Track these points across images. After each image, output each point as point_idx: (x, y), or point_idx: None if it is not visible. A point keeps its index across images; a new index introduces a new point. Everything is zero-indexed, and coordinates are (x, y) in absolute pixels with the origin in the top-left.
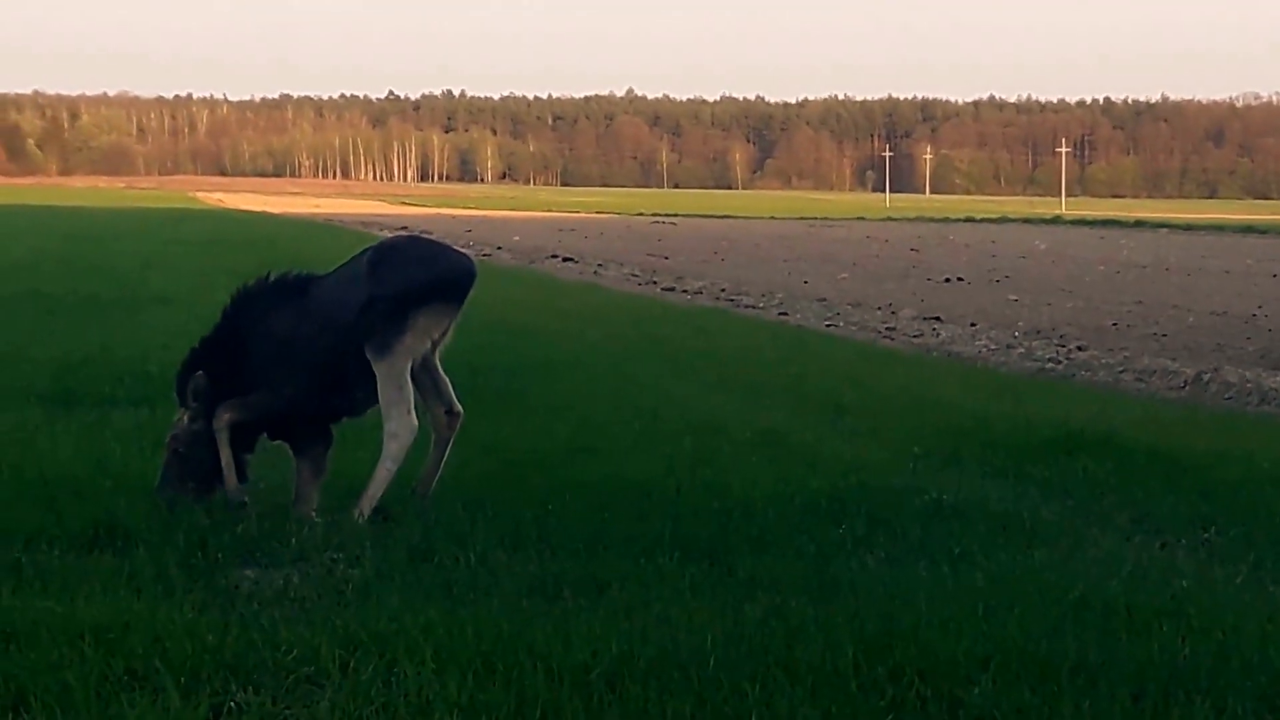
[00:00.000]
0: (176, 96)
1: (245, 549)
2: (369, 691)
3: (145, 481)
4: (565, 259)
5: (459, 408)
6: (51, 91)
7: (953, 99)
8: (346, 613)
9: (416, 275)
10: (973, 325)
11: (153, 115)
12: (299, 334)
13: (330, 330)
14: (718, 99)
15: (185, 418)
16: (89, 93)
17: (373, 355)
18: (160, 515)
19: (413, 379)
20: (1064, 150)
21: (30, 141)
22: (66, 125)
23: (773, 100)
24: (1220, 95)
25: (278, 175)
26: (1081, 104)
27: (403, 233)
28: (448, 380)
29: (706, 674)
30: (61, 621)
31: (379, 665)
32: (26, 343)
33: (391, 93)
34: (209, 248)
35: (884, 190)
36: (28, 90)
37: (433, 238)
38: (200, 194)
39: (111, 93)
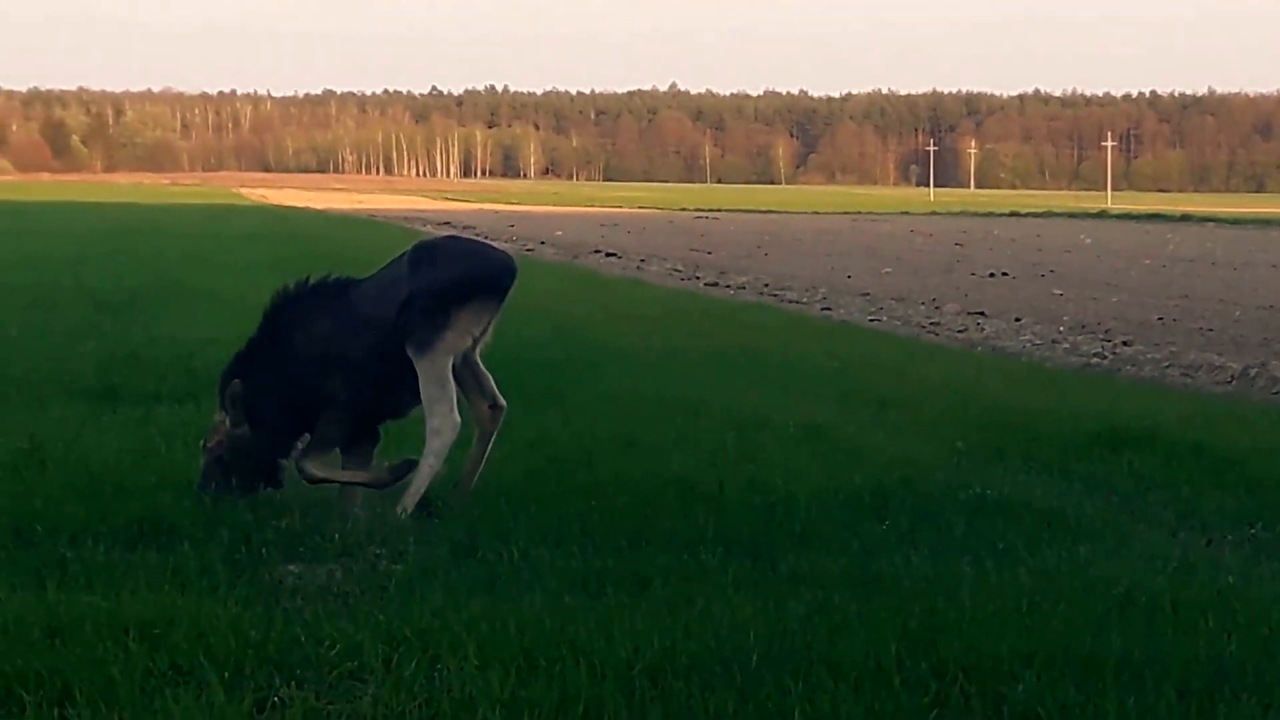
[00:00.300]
0: (220, 93)
1: (289, 544)
2: (412, 687)
3: (190, 477)
4: (608, 254)
5: (502, 402)
6: (96, 88)
7: (997, 93)
8: (390, 608)
9: (457, 273)
10: (1017, 320)
11: (197, 111)
12: (344, 338)
13: (374, 331)
14: (761, 93)
15: (226, 422)
16: (133, 89)
17: (414, 353)
18: (205, 511)
19: (455, 376)
20: (1109, 144)
21: (75, 138)
22: (111, 122)
23: (816, 94)
24: (1268, 89)
25: (321, 171)
26: (1127, 97)
27: (445, 228)
28: (489, 375)
29: (749, 670)
30: (106, 617)
31: (422, 661)
32: (72, 339)
33: (434, 88)
34: (253, 243)
35: (928, 185)
36: (73, 87)
37: (474, 236)
38: (244, 190)
39: (156, 89)
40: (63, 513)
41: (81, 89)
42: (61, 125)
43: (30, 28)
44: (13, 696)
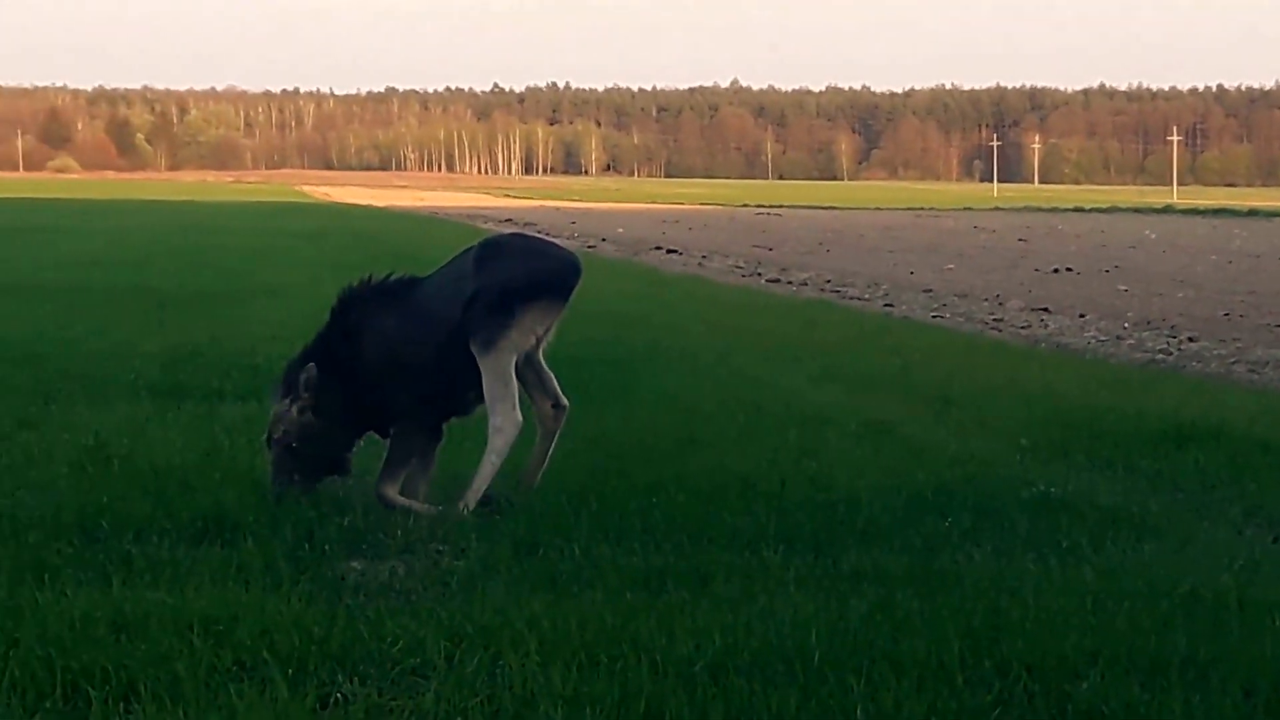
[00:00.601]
0: (284, 91)
1: (352, 541)
2: (474, 683)
3: (253, 474)
4: (669, 251)
5: (565, 401)
6: (161, 87)
7: (1062, 87)
8: (452, 605)
9: (522, 271)
10: (1081, 316)
11: (260, 110)
12: (409, 336)
13: (439, 329)
14: (823, 89)
15: (294, 410)
16: (198, 88)
17: (478, 351)
18: (268, 507)
19: (518, 375)
20: (1175, 139)
21: (140, 136)
22: (175, 120)
23: (879, 90)
24: None
25: (383, 169)
26: (1194, 91)
27: (507, 225)
28: (552, 374)
29: (811, 668)
30: (171, 613)
31: (484, 657)
32: (137, 336)
33: (496, 85)
34: (316, 240)
35: (991, 180)
36: (137, 86)
37: (537, 233)
38: (307, 188)
39: (220, 88)
40: (128, 509)
41: (146, 88)
42: (126, 124)
43: (95, 27)
44: (79, 691)
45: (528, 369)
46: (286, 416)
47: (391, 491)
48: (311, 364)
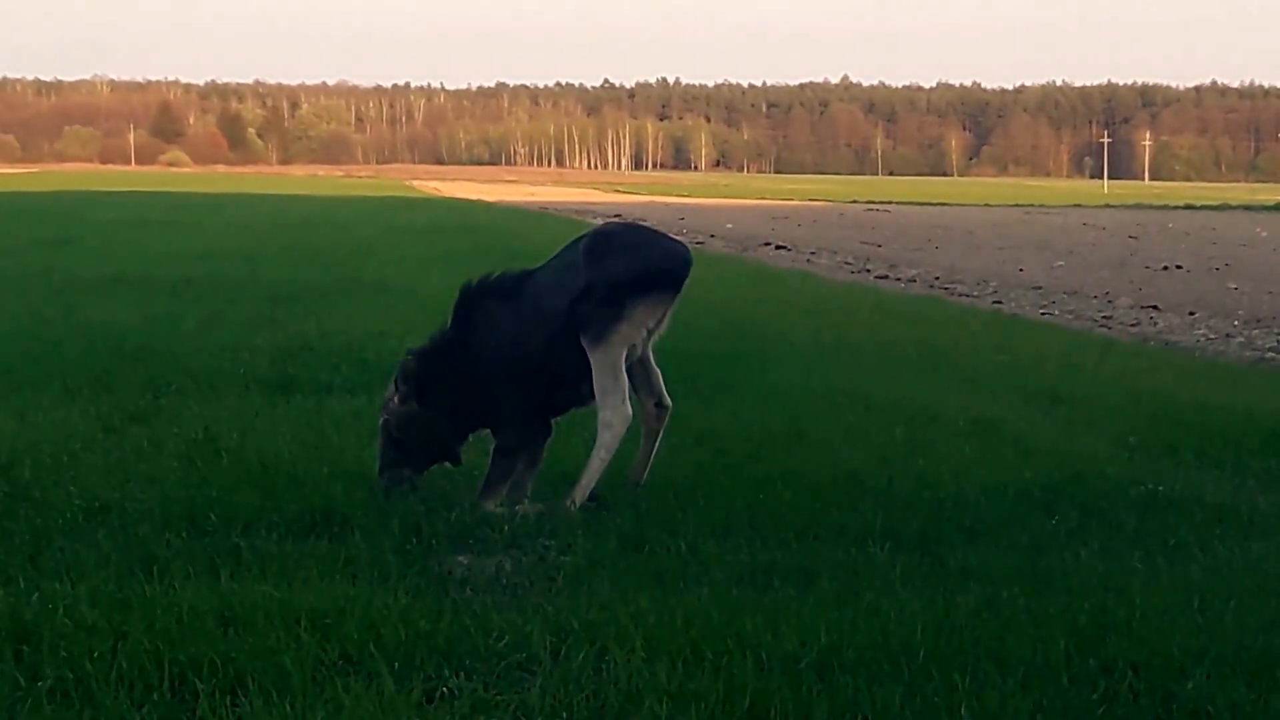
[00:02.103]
0: (395, 86)
1: (459, 535)
2: (579, 678)
3: (361, 468)
4: (778, 247)
5: (669, 401)
6: (272, 81)
7: (1173, 85)
8: (558, 600)
9: (633, 263)
10: (1191, 314)
11: (371, 104)
12: (522, 331)
13: (550, 321)
14: (934, 85)
15: (396, 399)
16: (309, 82)
17: (588, 344)
18: (376, 502)
19: (626, 371)
20: None
21: (251, 131)
22: (287, 115)
23: (989, 86)
24: None
25: (493, 164)
26: None
27: (617, 219)
28: (659, 372)
29: (916, 665)
30: (279, 606)
31: (589, 652)
32: (248, 330)
33: (607, 81)
34: (426, 235)
35: (1101, 177)
36: (249, 80)
37: (647, 225)
38: (416, 182)
39: (331, 82)
40: (236, 502)
41: (258, 82)
42: (238, 118)
43: (208, 22)
44: (186, 684)
45: (636, 365)
46: (389, 405)
47: (492, 506)
48: (410, 355)
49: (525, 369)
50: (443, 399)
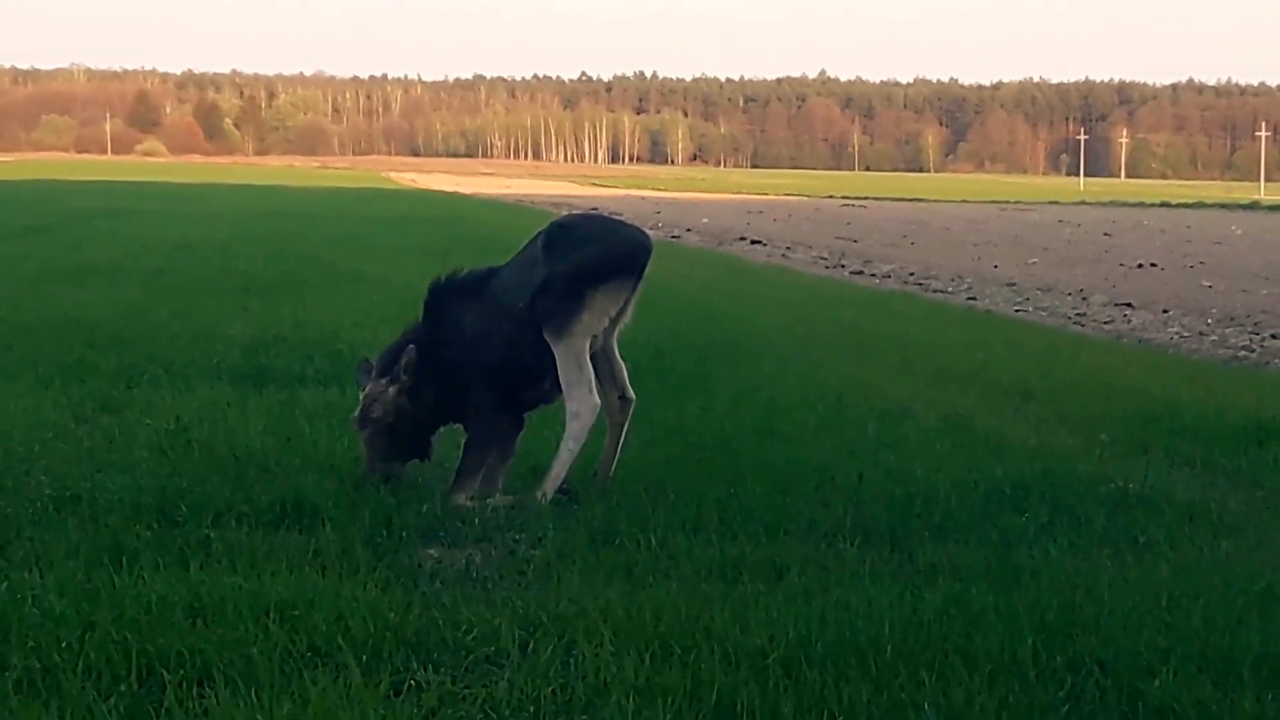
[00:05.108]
0: (371, 77)
1: (429, 528)
2: (547, 672)
3: (333, 460)
4: (754, 241)
5: (632, 394)
6: (249, 71)
7: (1150, 82)
8: (527, 593)
9: (590, 254)
10: (1165, 312)
11: (348, 95)
12: (489, 328)
13: (514, 316)
14: (911, 81)
15: (391, 390)
16: (286, 72)
17: (551, 336)
18: (347, 494)
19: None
20: (1264, 134)
21: (228, 121)
22: (263, 105)
23: (966, 82)
24: None
25: (469, 155)
26: None
27: (594, 211)
28: (623, 365)
29: (884, 661)
30: (248, 597)
31: (558, 646)
32: (221, 320)
33: (583, 74)
34: (401, 226)
35: (1078, 174)
36: (226, 70)
37: (609, 215)
38: (393, 174)
39: (308, 73)
40: (207, 493)
41: (235, 72)
42: (214, 108)
43: (185, 11)
44: (153, 675)
45: (600, 357)
46: (384, 397)
47: (463, 500)
48: (412, 346)
49: (492, 366)
50: (423, 392)
